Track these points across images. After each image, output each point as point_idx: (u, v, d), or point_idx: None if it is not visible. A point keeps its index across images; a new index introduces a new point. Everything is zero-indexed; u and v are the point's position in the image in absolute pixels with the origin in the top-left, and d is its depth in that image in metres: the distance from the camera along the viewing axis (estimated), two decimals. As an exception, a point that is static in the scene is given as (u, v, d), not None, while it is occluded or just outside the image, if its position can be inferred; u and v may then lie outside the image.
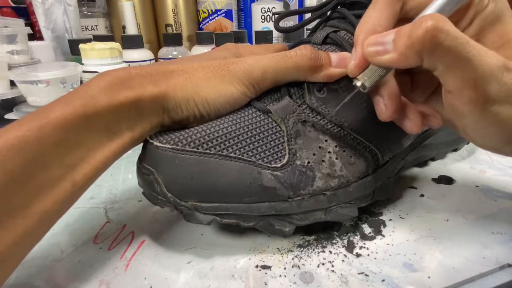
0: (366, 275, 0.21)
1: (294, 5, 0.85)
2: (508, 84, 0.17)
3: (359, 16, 0.25)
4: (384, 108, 0.21)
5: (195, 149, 0.21)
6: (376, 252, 0.22)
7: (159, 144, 0.21)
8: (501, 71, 0.16)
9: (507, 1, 0.19)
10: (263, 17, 0.77)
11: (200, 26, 0.84)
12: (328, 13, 0.28)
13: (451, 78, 0.17)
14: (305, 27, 0.52)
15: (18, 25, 0.55)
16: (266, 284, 0.20)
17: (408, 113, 0.21)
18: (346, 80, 0.24)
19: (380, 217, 0.26)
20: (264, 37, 0.65)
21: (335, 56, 0.23)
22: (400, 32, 0.17)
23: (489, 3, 0.19)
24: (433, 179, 0.32)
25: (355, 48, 0.20)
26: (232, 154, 0.21)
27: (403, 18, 0.20)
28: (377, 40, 0.18)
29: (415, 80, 0.22)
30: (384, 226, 0.25)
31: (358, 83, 0.20)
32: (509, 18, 0.19)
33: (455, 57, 0.16)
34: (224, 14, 0.83)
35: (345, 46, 0.24)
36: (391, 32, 0.18)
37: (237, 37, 0.65)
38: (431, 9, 0.18)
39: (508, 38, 0.18)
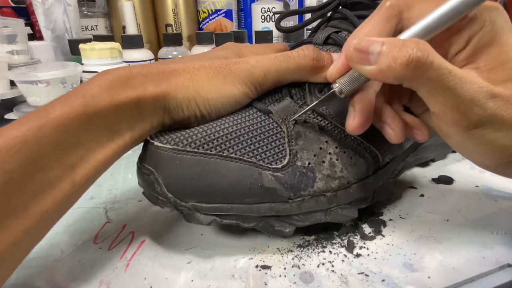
0: (366, 275, 0.21)
1: (294, 5, 0.85)
2: (493, 109, 0.17)
3: (360, 17, 0.25)
4: (351, 120, 0.20)
5: (195, 150, 0.21)
6: (376, 252, 0.22)
7: (159, 144, 0.21)
8: (485, 97, 0.17)
9: (508, 18, 0.19)
10: (263, 17, 0.77)
11: (200, 26, 0.84)
12: (329, 13, 0.28)
13: (433, 103, 0.18)
14: (305, 28, 0.52)
15: (18, 25, 0.55)
16: (266, 284, 0.20)
17: (390, 122, 0.21)
18: None
19: (380, 217, 0.26)
20: (264, 37, 0.65)
21: (337, 56, 0.23)
22: (385, 45, 0.17)
23: (485, 24, 0.18)
24: (433, 179, 0.32)
25: (341, 52, 0.20)
26: (233, 155, 0.21)
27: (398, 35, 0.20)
28: (361, 46, 0.18)
29: (414, 92, 0.22)
30: (384, 226, 0.25)
31: (335, 87, 0.20)
32: (506, 38, 0.18)
33: (436, 86, 0.16)
34: (224, 14, 0.83)
35: (346, 46, 0.24)
36: (378, 41, 0.17)
37: (237, 37, 0.65)
38: (419, 26, 0.18)
39: (502, 60, 0.18)
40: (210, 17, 0.82)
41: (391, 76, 0.17)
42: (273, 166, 0.21)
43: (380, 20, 0.20)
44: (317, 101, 0.22)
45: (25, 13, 0.73)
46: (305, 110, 0.22)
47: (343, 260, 0.22)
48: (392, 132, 0.21)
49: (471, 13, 0.18)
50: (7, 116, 0.46)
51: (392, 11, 0.20)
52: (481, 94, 0.17)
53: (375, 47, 0.17)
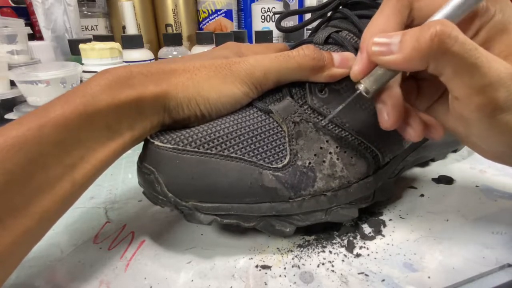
0: (366, 275, 0.21)
1: (294, 5, 0.85)
2: None
3: (361, 17, 0.25)
4: (386, 117, 0.20)
5: (196, 149, 0.21)
6: (376, 252, 0.22)
7: (160, 144, 0.21)
8: (510, 79, 0.16)
9: None
10: (263, 17, 0.77)
11: (200, 26, 0.84)
12: (329, 13, 0.28)
13: (458, 84, 0.17)
14: (305, 28, 0.52)
15: (18, 25, 0.55)
16: (266, 284, 0.20)
17: (411, 121, 0.21)
18: (348, 81, 0.24)
19: (380, 217, 0.26)
20: (264, 37, 0.65)
21: (337, 56, 0.23)
22: (407, 34, 0.17)
23: (496, 13, 0.18)
24: (433, 179, 0.32)
25: (360, 51, 0.20)
26: (233, 155, 0.21)
27: (409, 25, 0.20)
28: (382, 40, 0.18)
29: (421, 86, 0.22)
30: (384, 226, 0.25)
31: (361, 87, 0.20)
32: None
33: (463, 63, 0.16)
34: (224, 14, 0.83)
35: (347, 46, 0.24)
36: (398, 33, 0.17)
37: (237, 37, 0.65)
38: (439, 16, 0.18)
39: None
40: (210, 17, 0.82)
41: (417, 57, 0.16)
42: (274, 166, 0.21)
43: (393, 13, 0.19)
44: (344, 104, 0.21)
45: (25, 13, 0.73)
46: (332, 115, 0.22)
47: (343, 260, 0.22)
48: (413, 131, 0.21)
49: (482, 3, 0.18)
50: (7, 116, 0.46)
51: (402, 2, 0.19)
52: (507, 75, 0.16)
53: (395, 38, 0.17)
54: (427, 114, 0.22)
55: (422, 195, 0.29)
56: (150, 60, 0.59)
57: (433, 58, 0.16)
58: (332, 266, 0.21)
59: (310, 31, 0.31)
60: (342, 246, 0.23)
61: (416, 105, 0.22)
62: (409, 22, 0.20)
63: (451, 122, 0.21)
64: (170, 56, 0.64)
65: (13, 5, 0.72)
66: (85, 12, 0.73)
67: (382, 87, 0.20)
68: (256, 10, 0.77)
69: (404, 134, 0.21)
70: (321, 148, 0.23)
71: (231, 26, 0.85)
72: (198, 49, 0.65)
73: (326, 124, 0.23)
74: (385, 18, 0.20)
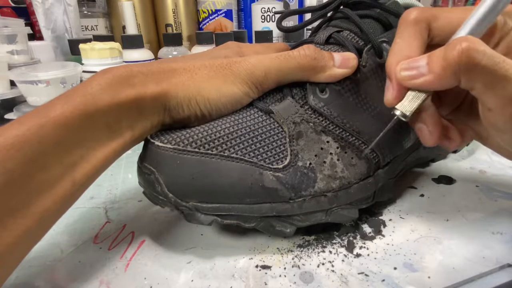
0: (366, 275, 0.20)
1: (294, 5, 0.85)
2: None
3: (362, 16, 0.25)
4: (429, 135, 0.21)
5: (196, 149, 0.21)
6: (376, 252, 0.22)
7: (160, 144, 0.21)
8: None
9: None
10: (263, 17, 0.77)
11: (200, 26, 0.84)
12: (330, 13, 0.28)
13: (491, 97, 0.17)
14: (305, 28, 0.52)
15: (18, 25, 0.55)
16: (266, 284, 0.20)
17: (449, 133, 0.22)
18: (348, 81, 0.24)
19: (380, 217, 0.26)
20: (264, 37, 0.65)
21: (338, 56, 0.23)
22: (433, 55, 0.17)
23: None
24: (433, 179, 0.32)
25: (389, 79, 0.20)
26: (233, 155, 0.21)
27: (428, 44, 0.21)
28: (409, 65, 0.19)
29: (442, 95, 0.23)
30: (384, 226, 0.25)
31: (398, 112, 0.20)
32: None
33: (493, 76, 0.16)
34: (224, 14, 0.83)
35: (348, 46, 0.24)
36: (423, 56, 0.18)
37: (237, 37, 0.65)
38: (462, 33, 0.19)
39: None
40: (210, 17, 0.82)
41: (448, 75, 0.17)
42: (274, 166, 0.21)
43: (414, 36, 0.20)
44: (383, 132, 0.21)
45: (25, 13, 0.73)
46: (374, 142, 0.22)
47: (343, 260, 0.22)
48: (454, 143, 0.22)
49: (500, 18, 0.19)
50: (7, 116, 0.46)
51: (421, 25, 0.20)
52: None
53: (422, 61, 0.18)
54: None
55: (422, 195, 0.29)
56: (150, 60, 0.59)
57: (463, 74, 0.17)
58: (332, 266, 0.21)
59: (310, 31, 0.31)
60: (342, 246, 0.23)
61: (439, 113, 0.23)
62: (428, 42, 0.21)
63: (475, 126, 0.21)
64: (170, 56, 0.64)
65: (13, 5, 0.72)
66: (85, 12, 0.73)
67: (417, 109, 0.20)
68: (256, 10, 0.77)
69: (444, 146, 0.22)
70: (321, 148, 0.23)
71: (231, 26, 0.85)
72: (198, 49, 0.65)
73: (366, 154, 0.24)
74: (406, 43, 0.20)
